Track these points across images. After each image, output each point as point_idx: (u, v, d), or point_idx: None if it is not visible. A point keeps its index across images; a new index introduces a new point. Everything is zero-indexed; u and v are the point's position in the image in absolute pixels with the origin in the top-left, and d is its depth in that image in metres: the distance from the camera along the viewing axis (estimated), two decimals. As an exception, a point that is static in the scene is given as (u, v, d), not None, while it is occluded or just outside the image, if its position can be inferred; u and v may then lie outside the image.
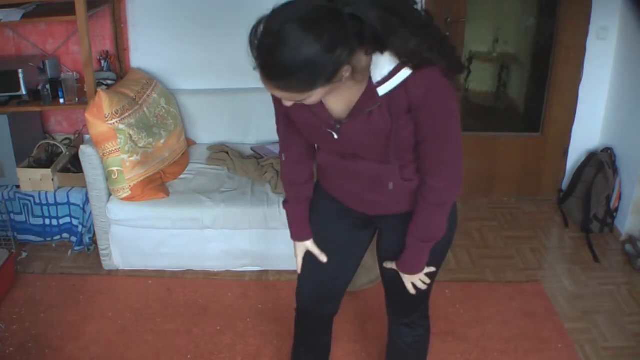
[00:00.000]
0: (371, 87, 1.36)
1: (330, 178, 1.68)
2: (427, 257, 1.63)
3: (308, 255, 1.80)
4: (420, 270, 1.65)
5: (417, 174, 1.54)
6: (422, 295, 1.79)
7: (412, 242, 1.60)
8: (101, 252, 2.91)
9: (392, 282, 1.79)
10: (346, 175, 1.60)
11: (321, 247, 1.77)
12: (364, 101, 1.39)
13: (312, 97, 1.30)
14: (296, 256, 1.81)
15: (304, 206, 1.75)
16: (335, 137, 1.46)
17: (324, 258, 1.75)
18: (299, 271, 1.82)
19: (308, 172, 1.73)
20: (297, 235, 1.77)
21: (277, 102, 1.56)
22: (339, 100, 1.42)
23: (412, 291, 1.69)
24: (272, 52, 1.21)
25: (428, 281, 1.69)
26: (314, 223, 1.77)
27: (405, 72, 1.32)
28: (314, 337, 2.00)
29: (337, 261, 1.78)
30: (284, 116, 1.60)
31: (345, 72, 1.27)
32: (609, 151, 3.32)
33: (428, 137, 1.43)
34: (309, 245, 1.77)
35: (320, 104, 1.42)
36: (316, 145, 1.68)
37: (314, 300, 1.88)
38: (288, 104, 1.37)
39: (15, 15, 2.79)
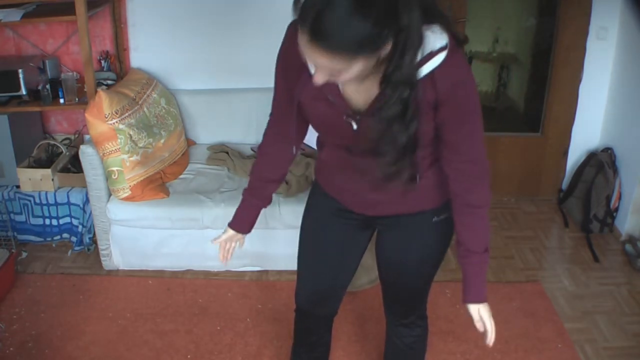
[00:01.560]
0: None
1: (331, 176, 1.64)
2: (485, 278, 1.55)
3: (308, 256, 1.78)
4: (485, 295, 1.56)
5: (423, 170, 1.49)
6: (420, 297, 1.80)
7: (474, 260, 1.51)
8: (101, 252, 2.91)
9: (390, 285, 1.79)
10: (351, 173, 1.54)
11: (318, 248, 1.75)
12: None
13: (350, 72, 1.23)
14: (220, 237, 1.76)
15: (260, 203, 1.74)
16: (355, 127, 1.40)
17: (224, 260, 1.75)
18: (223, 262, 1.78)
19: (283, 171, 1.72)
20: (237, 226, 1.75)
21: (281, 82, 1.54)
22: (359, 90, 1.37)
23: (484, 329, 1.61)
24: (322, 11, 1.15)
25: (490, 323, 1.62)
26: (311, 223, 1.75)
27: (438, 59, 1.27)
28: (314, 337, 1.99)
29: (335, 263, 1.76)
30: (286, 100, 1.52)
31: (386, 48, 1.20)
32: (609, 151, 3.32)
33: (457, 136, 1.38)
34: (238, 238, 1.76)
35: (339, 93, 1.37)
36: (316, 142, 1.66)
37: (312, 301, 1.87)
38: (320, 81, 1.27)
39: (15, 15, 2.79)
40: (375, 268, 2.67)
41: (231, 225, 1.76)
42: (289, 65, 1.45)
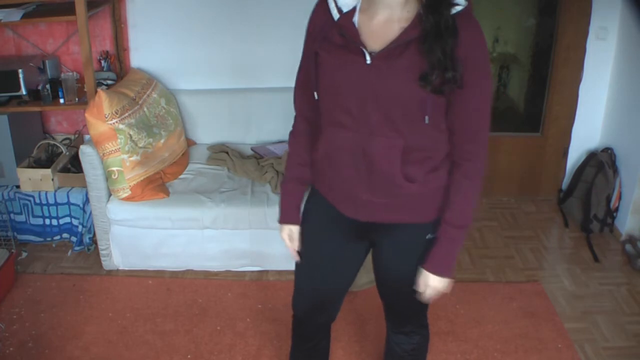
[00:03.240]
0: (420, 14, 1.36)
1: (325, 172, 1.58)
2: (455, 257, 1.54)
3: (303, 266, 1.76)
4: (449, 273, 1.54)
5: (425, 175, 1.48)
6: (418, 310, 1.77)
7: (444, 231, 1.52)
8: (101, 252, 2.91)
9: (387, 298, 1.79)
10: (348, 163, 1.49)
11: (315, 258, 1.72)
12: (407, 31, 1.36)
13: None
14: (285, 240, 1.74)
15: (303, 189, 1.70)
16: (368, 61, 1.38)
17: (297, 257, 1.73)
18: (296, 258, 1.75)
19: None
20: (287, 218, 1.70)
21: (309, 43, 1.53)
22: (377, 34, 1.40)
23: (425, 300, 1.59)
24: None
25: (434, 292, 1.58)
26: (307, 234, 1.71)
27: (460, 6, 1.34)
28: (311, 343, 1.96)
29: (332, 272, 1.73)
30: (311, 62, 1.50)
31: None
32: (609, 151, 3.32)
33: (470, 93, 1.38)
34: (295, 230, 1.71)
35: (357, 34, 1.40)
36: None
37: (309, 310, 1.85)
38: None
39: (15, 15, 2.79)
40: (367, 273, 2.68)
41: (284, 220, 1.71)
42: (315, 27, 1.50)
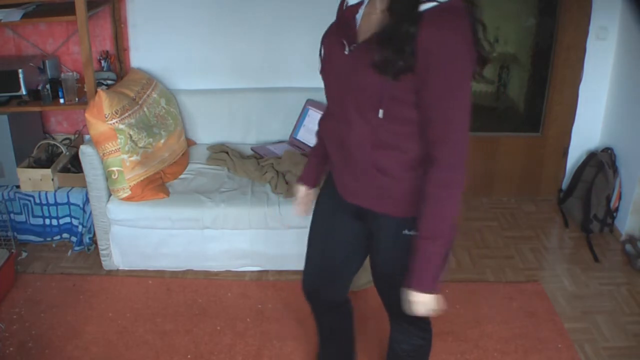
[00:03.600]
0: None
1: (329, 152, 1.67)
2: (435, 270, 1.47)
3: (315, 239, 1.85)
4: (430, 288, 1.48)
5: (400, 169, 1.49)
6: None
7: (417, 244, 1.47)
8: (101, 252, 2.91)
9: (378, 289, 1.80)
10: (336, 148, 1.59)
11: (322, 238, 1.82)
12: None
13: None
14: (297, 200, 1.91)
15: (322, 163, 1.82)
16: (346, 51, 1.45)
17: (300, 213, 1.90)
18: (299, 213, 1.92)
19: None
20: (302, 180, 1.88)
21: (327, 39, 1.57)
22: (371, 24, 1.44)
23: (410, 312, 1.54)
24: None
25: (432, 312, 1.54)
26: (318, 212, 1.83)
27: (433, 3, 1.31)
28: (327, 319, 2.03)
29: (338, 245, 1.79)
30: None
31: None
32: (609, 151, 3.32)
33: (434, 94, 1.35)
34: (303, 191, 1.88)
35: (355, 27, 1.47)
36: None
37: (317, 283, 1.91)
38: None
39: (15, 15, 2.79)
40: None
41: (302, 181, 1.88)
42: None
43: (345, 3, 1.55)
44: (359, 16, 1.48)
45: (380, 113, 1.41)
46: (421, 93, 1.36)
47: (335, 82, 1.51)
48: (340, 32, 1.51)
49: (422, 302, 1.51)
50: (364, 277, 2.71)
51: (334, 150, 1.61)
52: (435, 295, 1.51)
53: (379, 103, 1.40)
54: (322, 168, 1.85)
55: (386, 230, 1.61)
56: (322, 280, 1.89)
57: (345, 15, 1.51)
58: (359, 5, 1.50)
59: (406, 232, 1.55)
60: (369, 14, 1.47)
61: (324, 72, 1.55)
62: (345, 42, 1.46)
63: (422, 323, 1.82)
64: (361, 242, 1.76)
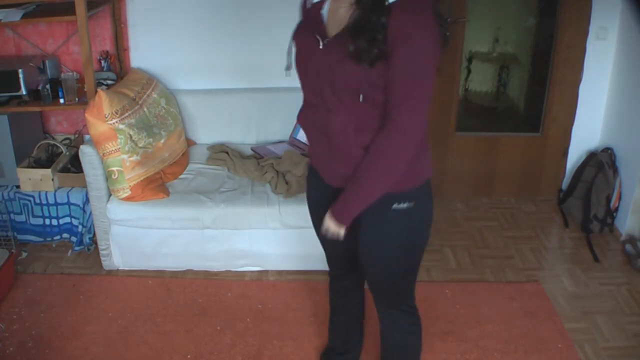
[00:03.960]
0: None
1: (310, 143, 1.76)
2: (351, 212, 1.61)
3: (320, 237, 1.91)
4: (343, 221, 1.64)
5: None
6: (396, 290, 1.84)
7: (346, 187, 1.62)
8: (101, 252, 2.91)
9: (364, 271, 1.85)
10: (318, 136, 1.66)
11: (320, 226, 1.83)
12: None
13: None
14: None
15: None
16: (321, 45, 1.54)
17: None
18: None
19: None
20: None
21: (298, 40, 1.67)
22: (338, 18, 1.54)
23: (325, 233, 1.69)
24: None
25: (337, 235, 1.68)
26: (311, 208, 1.94)
27: None
28: (344, 300, 2.13)
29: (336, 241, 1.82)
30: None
31: None
32: (609, 151, 3.32)
33: (398, 71, 1.45)
34: None
35: (323, 24, 1.57)
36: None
37: (336, 271, 2.07)
38: None
39: (15, 15, 2.79)
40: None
41: None
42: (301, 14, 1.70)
43: (308, 2, 1.65)
44: (324, 11, 1.58)
45: (361, 97, 1.51)
46: (388, 72, 1.47)
47: (313, 75, 1.60)
48: (309, 28, 1.60)
49: (330, 226, 1.67)
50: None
51: (316, 141, 1.69)
52: (341, 225, 1.66)
53: (358, 89, 1.51)
54: None
55: (375, 209, 1.63)
56: (340, 268, 2.05)
57: (311, 13, 1.62)
58: (322, 2, 1.60)
59: (396, 205, 1.64)
60: (336, 8, 1.56)
61: (299, 68, 1.65)
62: (318, 38, 1.55)
63: (410, 308, 1.90)
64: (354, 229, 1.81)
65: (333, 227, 1.67)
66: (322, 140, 1.64)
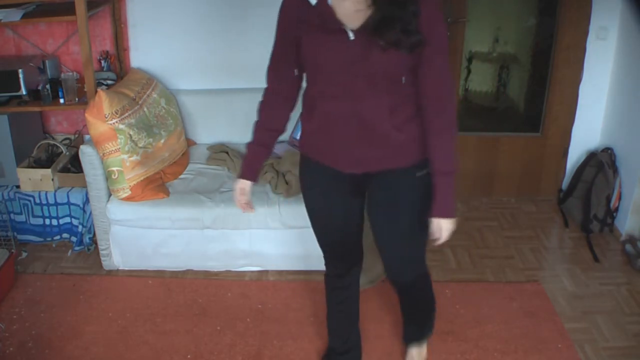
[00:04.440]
0: None
1: (321, 141, 1.80)
2: (453, 198, 1.75)
3: (319, 223, 2.01)
4: (452, 213, 1.75)
5: (407, 124, 1.72)
6: (416, 255, 1.99)
7: (439, 181, 1.74)
8: (101, 252, 2.91)
9: (386, 247, 1.96)
10: (342, 127, 1.71)
11: (325, 215, 1.98)
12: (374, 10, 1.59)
13: None
14: (235, 192, 1.94)
15: (266, 151, 1.91)
16: (351, 37, 1.60)
17: (250, 209, 1.97)
18: (244, 210, 1.96)
19: (286, 119, 1.89)
20: (247, 175, 1.91)
21: (281, 31, 1.79)
22: (353, 17, 1.61)
23: (439, 238, 1.79)
24: None
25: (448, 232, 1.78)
26: (314, 197, 1.97)
27: None
28: (341, 283, 2.16)
29: (342, 223, 1.99)
30: (287, 44, 1.76)
31: None
32: (609, 151, 3.32)
33: (433, 51, 1.63)
34: (248, 185, 1.92)
35: (336, 19, 1.62)
36: (302, 115, 1.85)
37: (333, 255, 2.10)
38: None
39: (15, 15, 2.79)
40: (374, 268, 2.68)
41: (243, 176, 1.92)
42: (289, 15, 1.74)
43: (301, 1, 1.66)
44: (329, 1, 1.62)
45: (403, 80, 1.67)
46: (423, 59, 1.63)
47: (339, 68, 1.65)
48: (326, 24, 1.63)
49: (446, 228, 1.76)
50: (363, 278, 2.70)
51: (339, 130, 1.73)
52: (454, 219, 1.77)
53: (398, 73, 1.65)
54: (263, 161, 1.95)
55: (403, 180, 1.81)
56: (337, 253, 2.09)
57: (319, 8, 1.63)
58: None
59: (418, 173, 1.80)
60: (341, 0, 1.61)
61: (321, 63, 1.67)
62: (347, 30, 1.60)
63: (424, 266, 2.05)
64: (360, 211, 1.98)
65: (447, 225, 1.76)
66: (348, 128, 1.71)
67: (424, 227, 1.81)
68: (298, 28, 1.68)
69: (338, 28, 1.61)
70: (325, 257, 2.12)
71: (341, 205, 1.94)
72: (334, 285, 2.18)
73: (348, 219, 1.98)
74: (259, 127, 1.89)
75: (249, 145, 1.91)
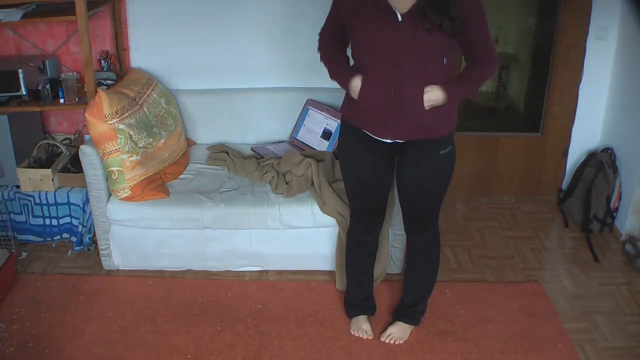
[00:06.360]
0: None
1: (363, 110, 2.07)
2: (456, 96, 2.03)
3: (352, 182, 2.31)
4: (447, 98, 1.99)
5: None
6: (434, 213, 2.30)
7: (453, 87, 2.00)
8: (101, 252, 2.91)
9: (409, 204, 2.30)
10: (383, 95, 1.98)
11: (359, 175, 2.25)
12: None
13: None
14: (356, 87, 2.07)
15: (346, 57, 2.16)
16: (400, 18, 1.89)
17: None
18: (356, 95, 2.10)
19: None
20: (354, 71, 2.07)
21: (335, 11, 2.09)
22: (401, 3, 1.90)
23: (426, 100, 2.00)
24: None
25: (431, 103, 2.01)
26: (350, 159, 2.25)
27: None
28: (367, 238, 2.44)
29: (374, 182, 2.27)
30: (338, 25, 2.08)
31: None
32: (609, 151, 3.32)
33: (480, 33, 1.94)
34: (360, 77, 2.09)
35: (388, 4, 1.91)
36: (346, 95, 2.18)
37: (362, 212, 2.39)
38: None
39: (15, 15, 2.79)
40: (378, 267, 2.69)
41: (351, 76, 2.07)
42: (343, 5, 2.03)
43: None
44: None
45: (444, 60, 1.95)
46: (469, 32, 1.92)
47: (388, 45, 1.92)
48: (374, 5, 1.91)
49: (435, 96, 1.98)
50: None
51: (380, 100, 2.00)
52: (446, 99, 2.01)
53: (441, 55, 1.93)
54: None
55: (429, 154, 2.11)
56: (366, 210, 2.37)
57: None
58: None
59: (442, 151, 2.11)
60: None
61: (371, 40, 1.95)
62: (396, 11, 1.89)
63: (435, 224, 2.35)
64: (390, 173, 2.28)
65: (437, 95, 1.97)
66: (388, 99, 1.98)
67: (442, 187, 2.19)
68: (353, 10, 1.96)
69: (389, 10, 1.89)
70: (352, 216, 2.41)
71: (374, 167, 2.21)
72: (359, 240, 2.44)
73: (379, 180, 2.25)
74: (329, 52, 2.16)
75: (330, 61, 2.15)
